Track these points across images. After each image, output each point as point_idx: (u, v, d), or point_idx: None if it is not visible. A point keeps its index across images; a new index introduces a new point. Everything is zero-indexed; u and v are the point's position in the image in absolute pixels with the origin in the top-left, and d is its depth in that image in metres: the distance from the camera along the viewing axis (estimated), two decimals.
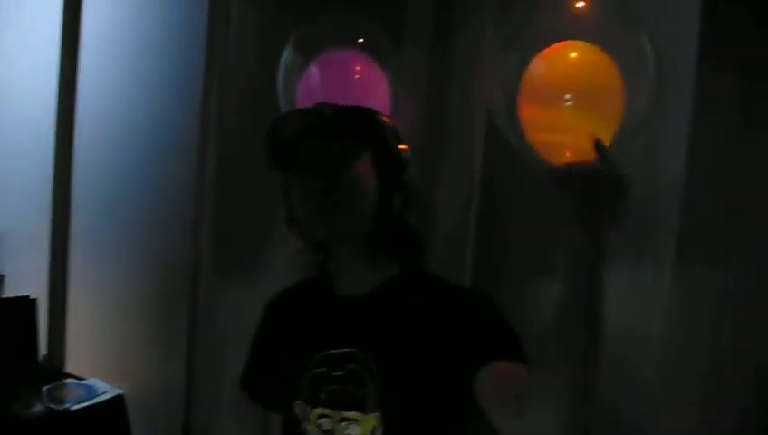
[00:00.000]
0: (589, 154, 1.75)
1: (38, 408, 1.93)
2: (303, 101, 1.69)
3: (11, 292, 2.30)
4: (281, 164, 1.08)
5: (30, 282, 2.35)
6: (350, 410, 1.03)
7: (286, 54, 1.71)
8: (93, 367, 2.29)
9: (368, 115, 1.12)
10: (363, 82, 1.69)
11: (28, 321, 2.11)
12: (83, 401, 2.01)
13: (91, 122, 2.41)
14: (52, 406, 1.97)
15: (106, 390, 2.08)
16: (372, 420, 1.02)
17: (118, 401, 2.06)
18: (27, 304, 2.12)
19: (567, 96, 1.45)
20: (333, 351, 1.07)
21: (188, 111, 2.12)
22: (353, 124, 1.08)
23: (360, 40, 1.70)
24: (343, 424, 1.04)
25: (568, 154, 1.66)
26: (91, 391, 2.08)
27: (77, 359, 2.45)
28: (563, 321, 0.90)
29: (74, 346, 2.47)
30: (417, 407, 1.03)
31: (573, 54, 1.47)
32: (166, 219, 2.23)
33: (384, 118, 1.13)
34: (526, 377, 0.94)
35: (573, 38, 1.48)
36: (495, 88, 1.52)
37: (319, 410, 1.06)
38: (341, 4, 1.72)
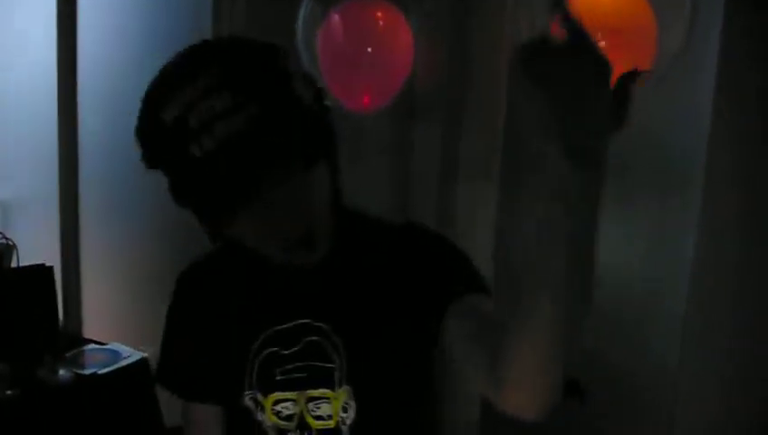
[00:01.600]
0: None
1: (64, 373, 1.93)
2: (324, 53, 1.65)
3: (24, 262, 2.27)
4: (163, 162, 0.80)
5: (42, 251, 2.32)
6: (317, 388, 0.91)
7: (305, 4, 1.66)
8: (111, 332, 2.29)
9: (272, 66, 0.79)
10: (386, 29, 1.65)
11: (47, 288, 2.09)
12: (108, 366, 2.01)
13: (94, 90, 2.36)
14: (77, 371, 1.96)
15: (130, 353, 2.08)
16: (343, 395, 0.90)
17: (142, 364, 2.05)
18: (44, 271, 2.10)
19: (598, 34, 1.42)
20: (280, 327, 0.92)
21: None
22: (260, 88, 0.77)
23: None
24: (311, 404, 0.91)
25: None
26: (116, 356, 2.07)
27: (94, 324, 2.44)
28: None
29: (90, 312, 2.46)
30: (389, 375, 0.92)
31: None
32: None
33: (291, 65, 0.82)
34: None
35: None
36: (522, 26, 1.49)
37: (276, 395, 0.92)
38: None
